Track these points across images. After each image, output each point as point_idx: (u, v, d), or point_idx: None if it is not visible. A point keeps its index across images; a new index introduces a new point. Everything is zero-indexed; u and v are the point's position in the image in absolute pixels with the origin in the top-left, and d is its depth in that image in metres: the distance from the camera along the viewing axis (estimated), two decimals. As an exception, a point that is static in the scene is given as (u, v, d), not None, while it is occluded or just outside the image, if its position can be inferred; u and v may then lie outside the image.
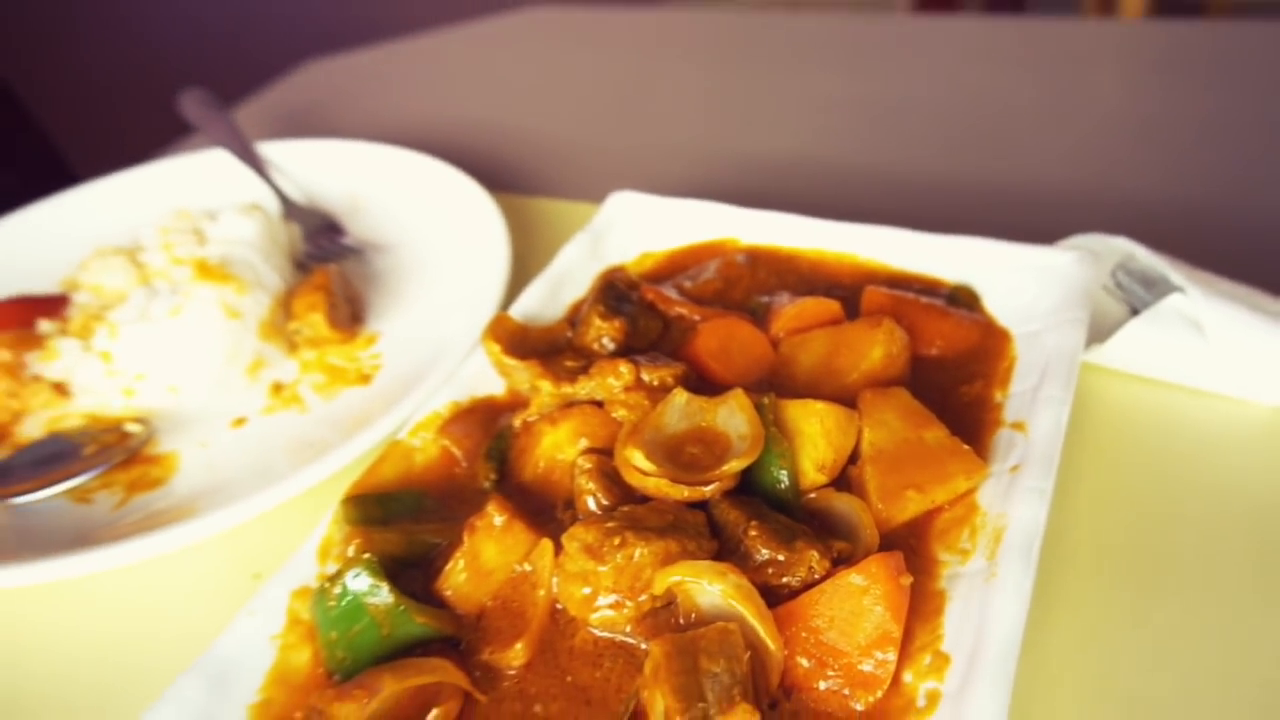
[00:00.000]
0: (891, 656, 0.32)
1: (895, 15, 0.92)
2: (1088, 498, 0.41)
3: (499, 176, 0.68)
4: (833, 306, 0.46)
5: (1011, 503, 0.36)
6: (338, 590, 0.34)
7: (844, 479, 0.39)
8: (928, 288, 0.48)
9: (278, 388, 0.52)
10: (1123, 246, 0.48)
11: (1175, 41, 0.81)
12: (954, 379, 0.44)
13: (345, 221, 0.65)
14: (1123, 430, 0.44)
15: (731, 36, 0.92)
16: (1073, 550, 0.39)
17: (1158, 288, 0.47)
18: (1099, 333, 0.46)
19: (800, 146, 0.71)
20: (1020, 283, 0.47)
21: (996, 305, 0.47)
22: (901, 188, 0.63)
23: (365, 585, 0.34)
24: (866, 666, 0.33)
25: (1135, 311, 0.47)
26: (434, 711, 0.33)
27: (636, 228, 0.55)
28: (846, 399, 0.40)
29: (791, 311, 0.46)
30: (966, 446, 0.38)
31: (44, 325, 0.54)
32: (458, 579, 0.37)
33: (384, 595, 0.34)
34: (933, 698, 0.32)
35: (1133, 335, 0.45)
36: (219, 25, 1.85)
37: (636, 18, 0.99)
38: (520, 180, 0.70)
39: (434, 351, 0.50)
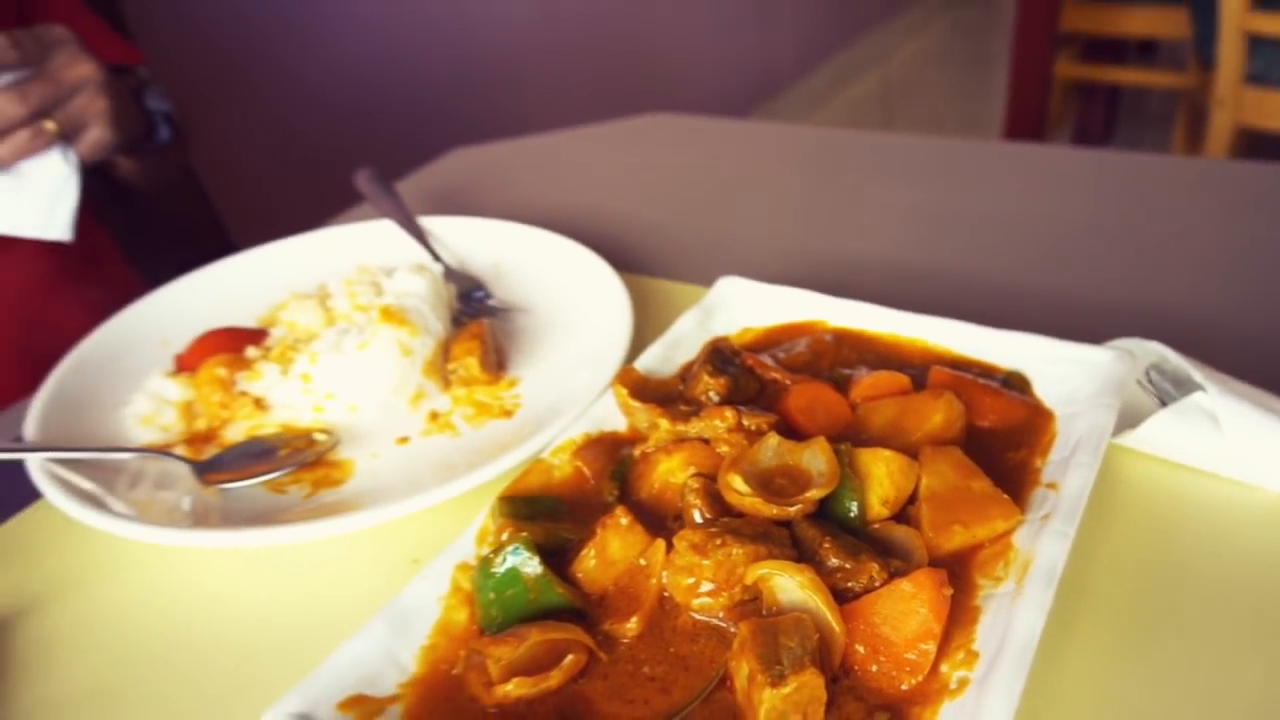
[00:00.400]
0: (931, 648, 0.41)
1: (986, 141, 1.02)
2: (1107, 549, 0.49)
3: (621, 257, 0.78)
4: (903, 380, 0.55)
5: (1039, 542, 0.44)
6: (500, 560, 0.44)
7: (903, 514, 0.48)
8: (985, 371, 0.57)
9: (434, 415, 0.63)
10: (1157, 350, 0.57)
11: (1238, 179, 0.89)
12: (1002, 446, 0.52)
13: (491, 286, 0.77)
14: (1144, 501, 0.52)
15: (831, 149, 1.04)
16: (1089, 588, 0.47)
17: (1184, 387, 0.55)
18: (1131, 421, 0.54)
19: (882, 248, 0.81)
20: (1065, 373, 0.55)
21: (1044, 390, 0.56)
22: (969, 287, 0.73)
23: (521, 558, 0.44)
24: (911, 655, 0.41)
25: (1164, 405, 0.55)
26: (567, 658, 0.42)
27: (740, 307, 0.65)
28: (909, 453, 0.49)
29: (868, 381, 0.55)
30: (1006, 496, 0.47)
31: (251, 351, 0.66)
32: (588, 565, 0.46)
33: (535, 566, 0.44)
34: (962, 683, 0.40)
35: (1159, 424, 0.53)
36: (380, 110, 2.05)
37: (747, 128, 1.11)
38: (639, 261, 0.81)
39: (567, 394, 0.60)
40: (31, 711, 0.48)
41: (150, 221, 1.22)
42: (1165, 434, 0.53)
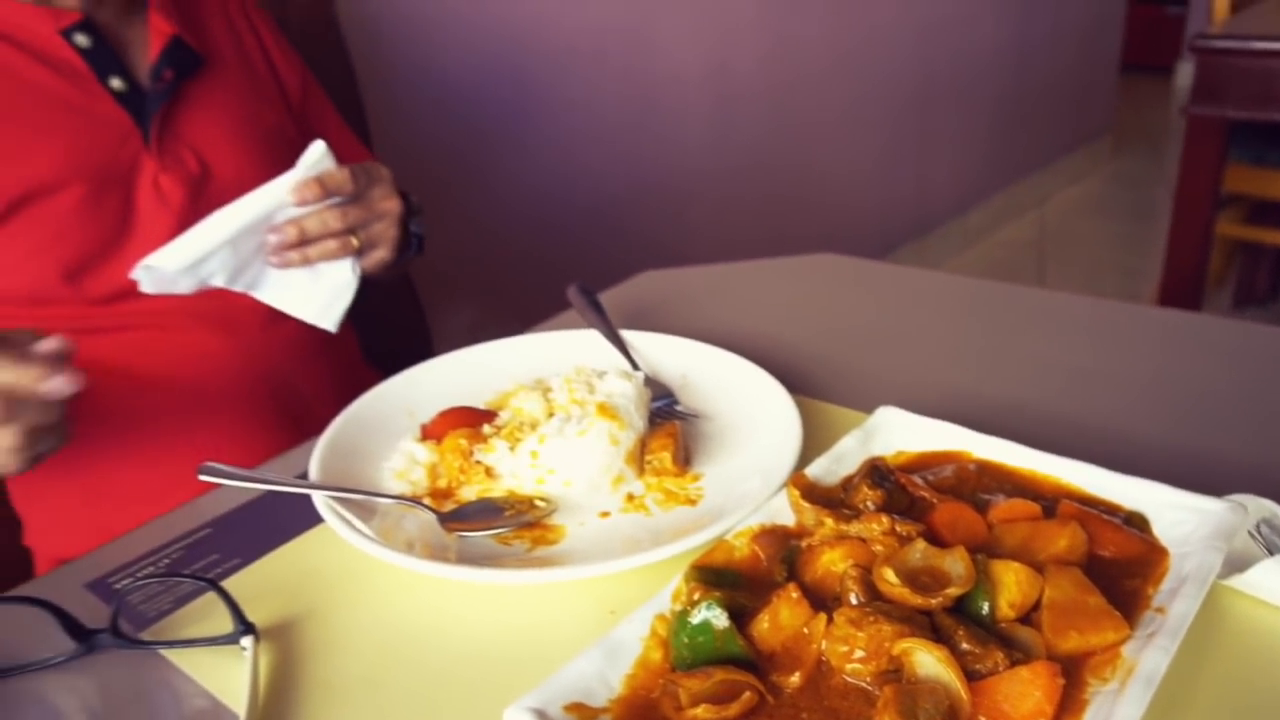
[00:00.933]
0: (1043, 725, 0.50)
1: (1138, 305, 1.10)
2: (1206, 671, 0.57)
3: (791, 379, 0.90)
4: (1035, 508, 0.65)
5: (1144, 653, 0.53)
6: (695, 613, 0.56)
7: (1027, 619, 0.57)
8: (1109, 509, 0.66)
9: (630, 496, 0.76)
10: (1269, 506, 0.65)
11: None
12: (1119, 574, 0.61)
13: (679, 393, 0.90)
14: (1245, 636, 0.59)
15: (986, 299, 1.14)
16: (1187, 700, 0.55)
17: (1291, 541, 0.63)
18: (1239, 566, 0.62)
19: (1024, 392, 0.91)
20: (1182, 518, 0.64)
21: (1161, 530, 0.64)
22: (1101, 434, 0.81)
23: (713, 613, 0.56)
24: (1025, 729, 0.50)
25: (1271, 555, 0.63)
26: (744, 695, 0.53)
27: (896, 433, 0.76)
28: (1036, 569, 0.59)
29: (1004, 506, 0.65)
30: (1119, 614, 0.56)
31: (486, 428, 0.81)
32: (762, 627, 0.57)
33: (723, 621, 0.56)
34: (1068, 756, 0.49)
35: (1265, 570, 0.61)
36: (558, 224, 2.28)
37: (909, 273, 1.23)
38: (806, 384, 0.93)
39: (746, 491, 0.72)
40: (315, 690, 0.62)
41: (373, 314, 1.42)
42: (1270, 580, 0.61)
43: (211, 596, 0.68)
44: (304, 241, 0.96)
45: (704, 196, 2.70)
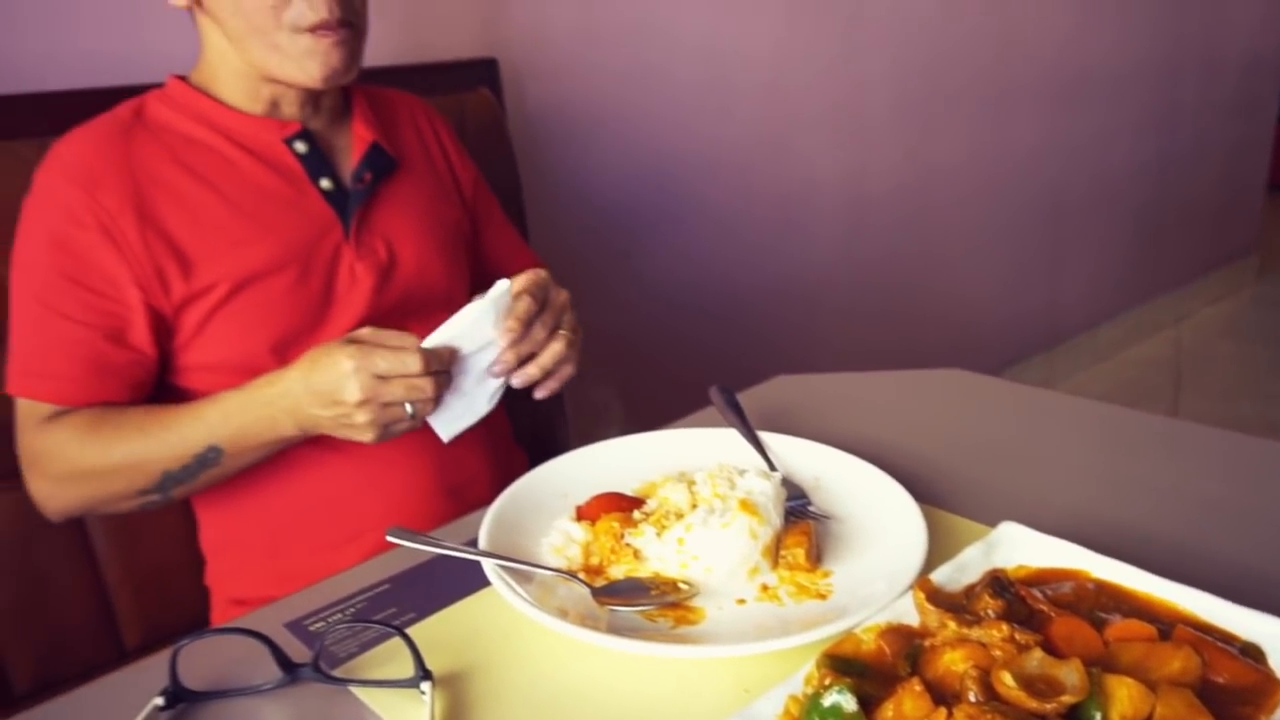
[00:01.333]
0: (1149, 830, 0.54)
1: (1270, 441, 1.12)
2: (1314, 799, 0.60)
3: (917, 487, 0.96)
4: (1151, 630, 0.69)
5: (1250, 774, 0.57)
6: (828, 695, 0.63)
7: (1138, 731, 0.61)
8: (1225, 638, 0.70)
9: (765, 587, 0.83)
10: (1386, 648, 0.67)
11: None
12: (1231, 701, 0.65)
13: (811, 494, 0.98)
14: (1356, 770, 0.62)
15: (1114, 425, 1.18)
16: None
17: (1407, 683, 0.65)
18: (1354, 702, 0.65)
19: (1146, 518, 0.94)
20: (1297, 652, 0.67)
21: (1277, 663, 0.68)
22: (1221, 564, 0.84)
23: (845, 697, 0.62)
24: (1132, 832, 0.55)
25: (1386, 695, 0.65)
26: (869, 775, 0.59)
27: (1018, 548, 0.82)
28: (1149, 687, 0.63)
29: (1121, 626, 0.70)
30: (1227, 735, 0.60)
31: (636, 514, 0.90)
32: (886, 716, 0.63)
33: (852, 705, 0.62)
34: None
35: (1379, 709, 0.64)
36: (712, 331, 2.41)
37: (1038, 394, 1.27)
38: (932, 494, 0.98)
39: (874, 590, 0.79)
40: (483, 734, 0.71)
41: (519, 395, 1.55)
42: (1383, 719, 0.63)
43: (393, 643, 0.78)
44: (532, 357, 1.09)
45: (833, 299, 2.78)
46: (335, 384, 0.96)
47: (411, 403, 0.98)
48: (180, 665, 0.74)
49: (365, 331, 1.00)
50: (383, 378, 0.95)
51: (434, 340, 1.01)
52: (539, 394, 1.13)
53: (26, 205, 1.11)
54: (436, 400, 1.00)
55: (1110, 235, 3.84)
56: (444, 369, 1.01)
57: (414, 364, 0.96)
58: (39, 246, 1.10)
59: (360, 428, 0.99)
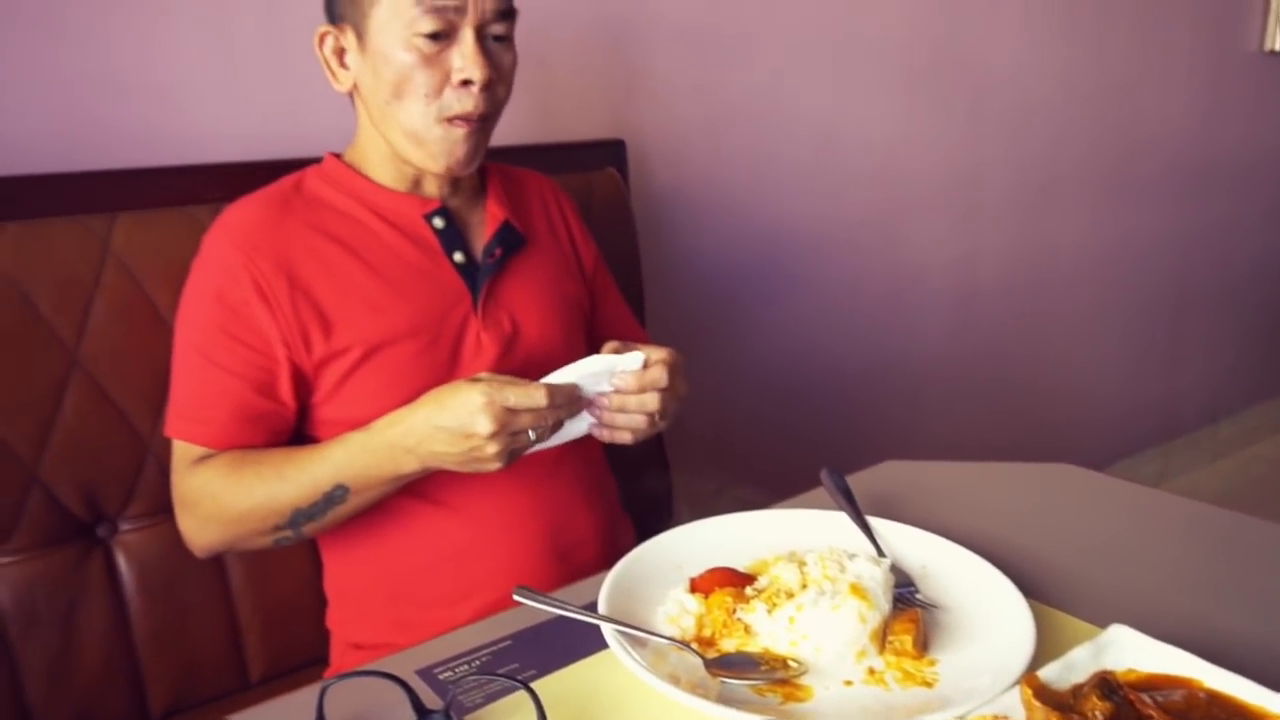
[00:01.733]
0: None
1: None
2: None
3: (1024, 581, 0.97)
4: (1263, 744, 0.70)
5: None
6: (934, 781, 0.65)
7: (1246, 845, 0.62)
8: (1341, 758, 0.70)
9: (872, 671, 0.86)
10: None
11: None
12: (1346, 822, 0.65)
13: (919, 582, 1.00)
14: None
15: (1230, 529, 1.17)
16: None
17: None
18: None
19: (1262, 628, 0.93)
20: None
21: (1394, 788, 0.67)
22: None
23: (950, 784, 0.65)
24: None
25: None
26: None
27: (1128, 651, 0.83)
28: (1259, 801, 0.64)
29: (1232, 737, 0.71)
30: None
31: (748, 590, 0.94)
32: (991, 807, 0.66)
33: (958, 793, 0.64)
34: None
35: None
36: (817, 410, 2.45)
37: (1152, 495, 1.27)
38: (1039, 590, 1.00)
39: (980, 682, 0.81)
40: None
41: (629, 465, 1.60)
42: None
43: (516, 697, 0.83)
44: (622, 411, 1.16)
45: (940, 383, 2.78)
46: (467, 419, 1.00)
47: (534, 429, 1.05)
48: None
49: (485, 374, 1.06)
50: (513, 410, 1.01)
51: (556, 378, 1.09)
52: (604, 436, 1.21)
53: (195, 264, 1.23)
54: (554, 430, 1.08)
55: (1233, 328, 3.72)
56: (565, 404, 1.09)
57: (541, 398, 1.02)
58: (203, 302, 1.21)
59: (489, 459, 1.04)
